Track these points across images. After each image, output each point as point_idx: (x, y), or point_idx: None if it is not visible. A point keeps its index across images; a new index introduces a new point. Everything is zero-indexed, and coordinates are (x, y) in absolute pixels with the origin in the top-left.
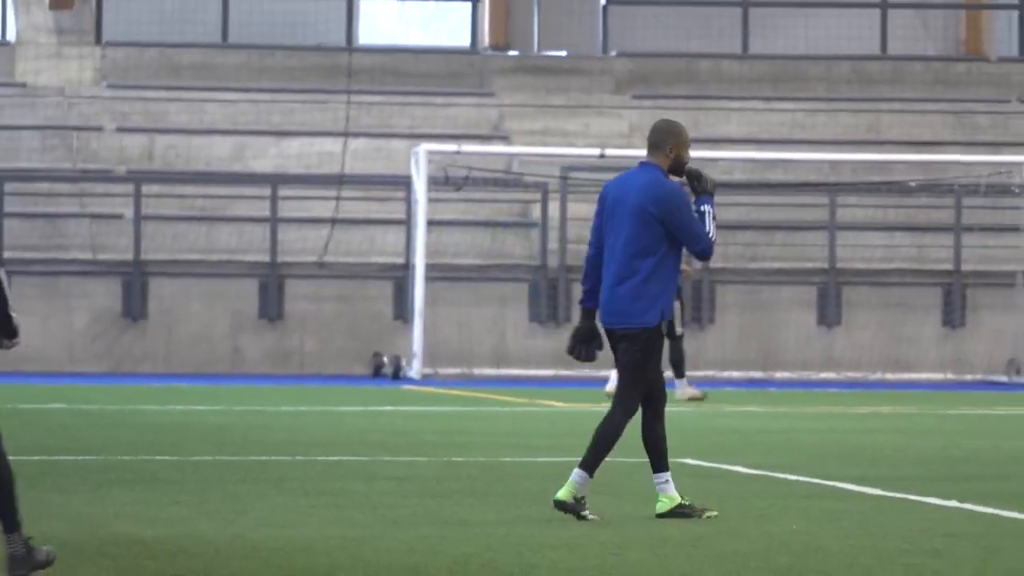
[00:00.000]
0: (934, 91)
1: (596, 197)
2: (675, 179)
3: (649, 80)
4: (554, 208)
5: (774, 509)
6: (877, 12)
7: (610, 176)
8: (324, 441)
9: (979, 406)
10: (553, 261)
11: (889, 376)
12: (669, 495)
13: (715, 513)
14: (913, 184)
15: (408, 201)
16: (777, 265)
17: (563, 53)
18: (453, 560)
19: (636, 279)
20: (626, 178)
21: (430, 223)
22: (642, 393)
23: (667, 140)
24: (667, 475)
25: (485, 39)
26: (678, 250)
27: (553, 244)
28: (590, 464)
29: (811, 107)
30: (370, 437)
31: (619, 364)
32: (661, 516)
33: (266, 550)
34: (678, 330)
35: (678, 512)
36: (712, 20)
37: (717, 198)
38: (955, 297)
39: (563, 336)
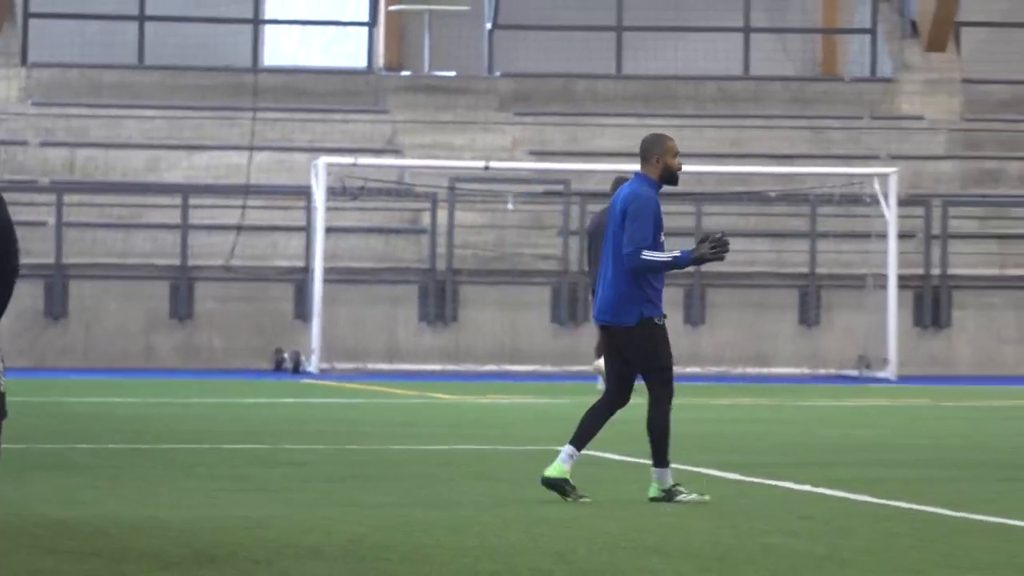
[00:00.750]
0: (792, 109)
1: (482, 207)
2: (668, 187)
3: (530, 98)
4: (442, 216)
5: (643, 493)
6: (740, 36)
7: (495, 186)
8: (230, 430)
9: (832, 398)
10: (441, 265)
11: (750, 370)
12: (559, 466)
13: (705, 497)
14: (773, 194)
15: (308, 209)
16: None
17: (452, 73)
18: (347, 539)
19: (619, 281)
20: (621, 189)
21: (328, 229)
22: (663, 380)
23: (653, 151)
24: (574, 450)
25: (380, 60)
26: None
27: (441, 249)
28: (658, 459)
29: (680, 123)
30: (272, 427)
31: (610, 357)
32: (652, 500)
33: (176, 530)
34: None
35: (666, 499)
36: (589, 43)
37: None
38: (810, 298)
39: (450, 334)
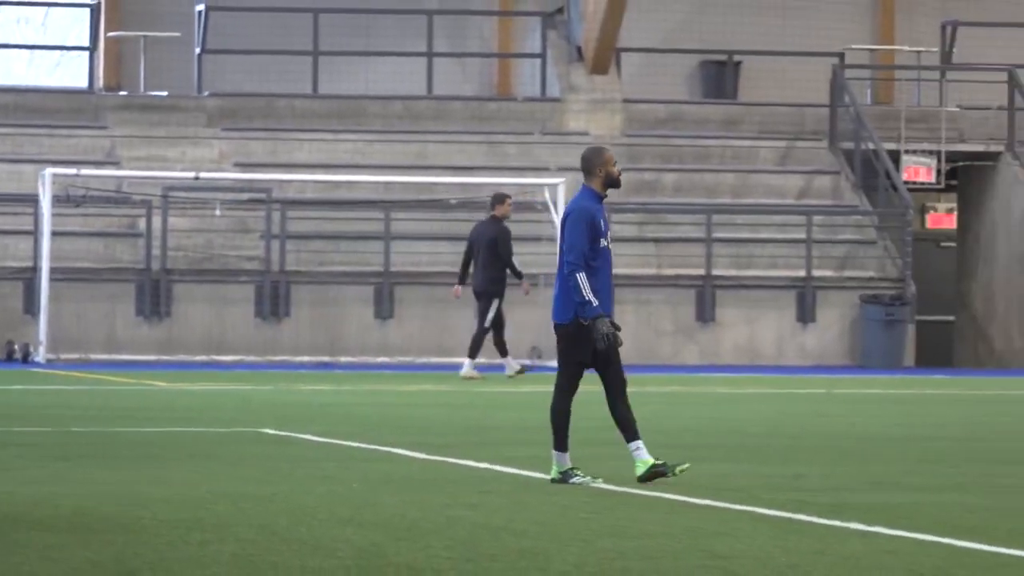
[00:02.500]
0: (471, 125)
1: (192, 213)
2: (611, 190)
3: (235, 115)
4: (157, 221)
5: (339, 470)
6: (424, 60)
7: (204, 194)
8: None
9: (507, 385)
10: (156, 265)
11: (434, 360)
12: (643, 459)
13: (687, 466)
14: (453, 201)
15: (36, 215)
16: (342, 268)
17: (164, 93)
18: (72, 512)
19: (561, 283)
20: (570, 202)
21: (54, 233)
22: (570, 376)
23: (595, 164)
24: (639, 443)
25: (100, 81)
26: (595, 258)
27: (156, 251)
28: (558, 443)
29: (370, 138)
30: (3, 411)
31: (561, 353)
32: (640, 480)
33: None
34: (487, 323)
35: (654, 473)
36: (288, 66)
37: None
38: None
39: (164, 327)
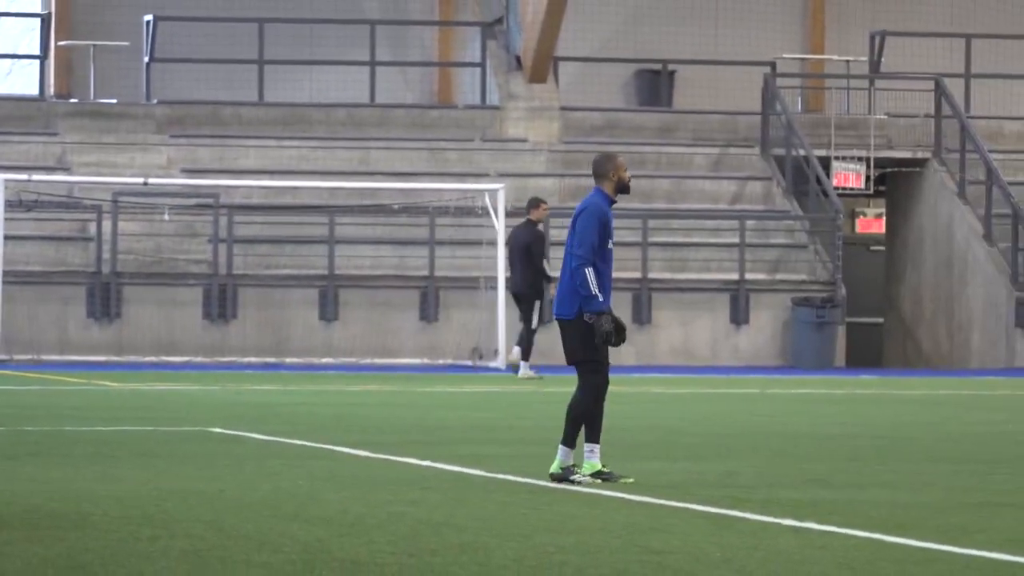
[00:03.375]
0: (413, 132)
1: (142, 217)
2: (621, 195)
3: (183, 122)
4: (107, 226)
5: (284, 468)
6: (367, 68)
7: (153, 199)
8: None
9: (449, 385)
10: (106, 268)
11: (377, 360)
12: (592, 462)
13: (630, 479)
14: (396, 206)
15: None
16: (287, 272)
17: (114, 100)
18: (24, 509)
19: (567, 280)
20: (584, 200)
21: (6, 238)
22: (595, 371)
23: (608, 169)
24: (595, 445)
25: (51, 89)
26: (602, 257)
27: (106, 255)
28: (566, 438)
29: (314, 144)
30: None
31: (566, 350)
32: (552, 477)
33: None
34: (533, 325)
35: (599, 476)
36: (234, 74)
37: None
38: (430, 297)
39: (115, 329)
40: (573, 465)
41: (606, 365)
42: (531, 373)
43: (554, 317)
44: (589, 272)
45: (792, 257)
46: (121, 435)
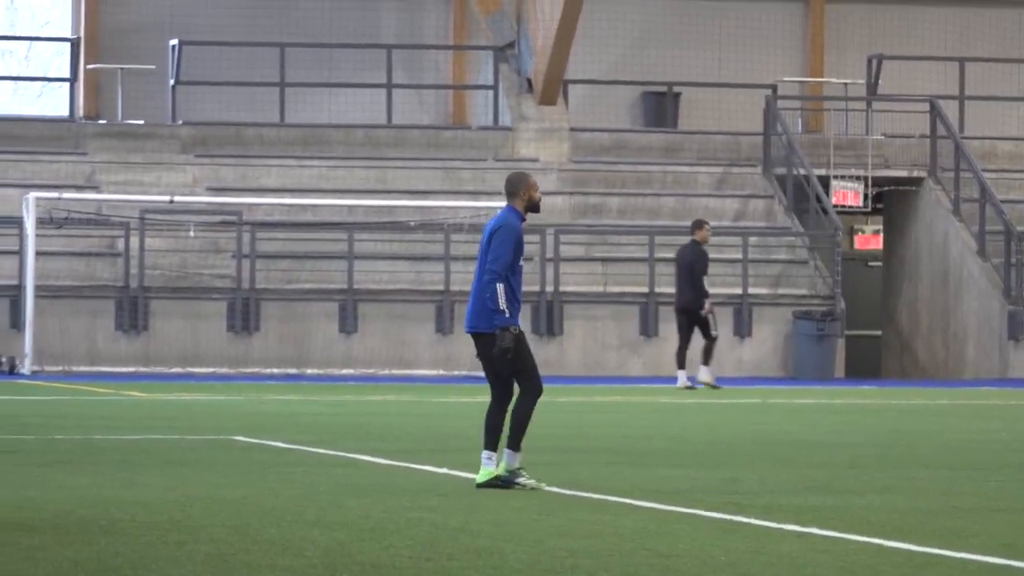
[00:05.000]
0: (428, 152)
1: (168, 234)
2: (531, 214)
3: (207, 143)
4: (134, 242)
5: (306, 475)
6: (384, 91)
7: (178, 217)
8: None
9: (464, 395)
10: (134, 283)
11: (395, 372)
12: (489, 469)
13: (541, 484)
14: (412, 223)
15: (20, 236)
16: (308, 286)
17: (141, 121)
18: (53, 515)
19: (483, 294)
20: (493, 219)
21: (38, 253)
22: (529, 377)
23: (519, 187)
24: (493, 453)
25: (80, 111)
26: (513, 272)
27: (134, 270)
28: (512, 442)
29: (333, 164)
30: None
31: (484, 359)
32: (480, 485)
33: None
34: (713, 333)
35: (493, 483)
36: (256, 96)
37: None
38: (445, 310)
39: (142, 341)
40: (519, 468)
41: (506, 381)
42: (687, 383)
43: (467, 331)
44: (500, 287)
45: (793, 272)
46: (148, 443)
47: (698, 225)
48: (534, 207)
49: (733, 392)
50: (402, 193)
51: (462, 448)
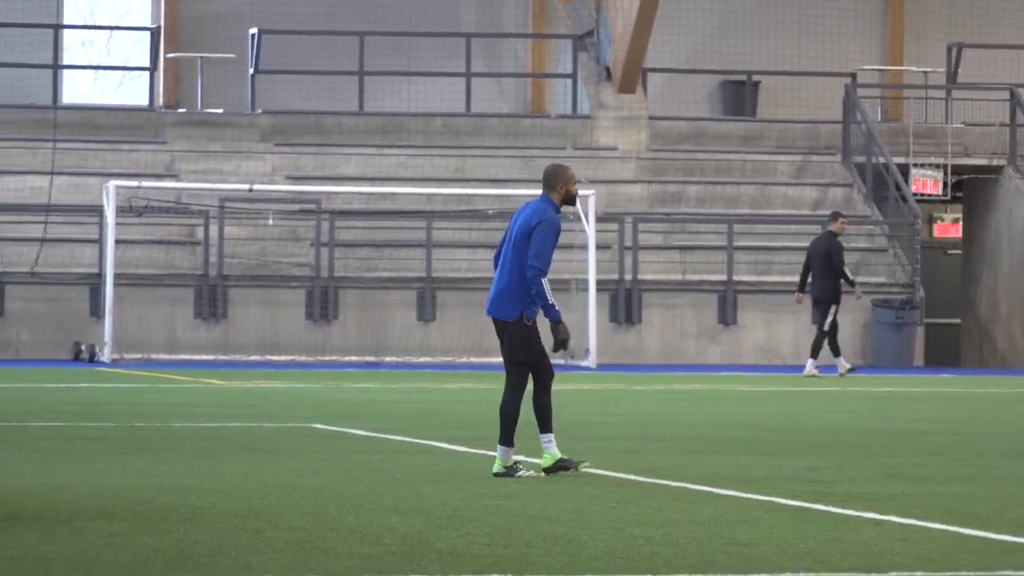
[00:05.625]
0: (507, 140)
1: (247, 222)
2: (567, 207)
3: (287, 131)
4: (214, 230)
5: (385, 463)
6: (463, 79)
7: (258, 205)
8: (35, 410)
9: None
10: (213, 271)
11: (473, 360)
12: (551, 452)
13: (588, 464)
14: (491, 212)
15: (100, 225)
16: (386, 274)
17: (220, 110)
18: (134, 502)
19: (512, 282)
20: (527, 205)
21: (118, 241)
22: (525, 372)
23: (557, 180)
24: (550, 436)
25: (160, 99)
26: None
27: (213, 258)
28: (504, 438)
29: (412, 152)
30: (71, 408)
31: (504, 350)
32: (545, 471)
33: None
34: (825, 327)
35: (559, 466)
36: (335, 85)
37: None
38: None
39: (221, 329)
40: (517, 462)
41: (537, 366)
42: (815, 371)
43: (489, 316)
44: (545, 283)
45: (872, 261)
46: (227, 431)
47: (834, 217)
48: (570, 200)
49: (812, 380)
50: (481, 181)
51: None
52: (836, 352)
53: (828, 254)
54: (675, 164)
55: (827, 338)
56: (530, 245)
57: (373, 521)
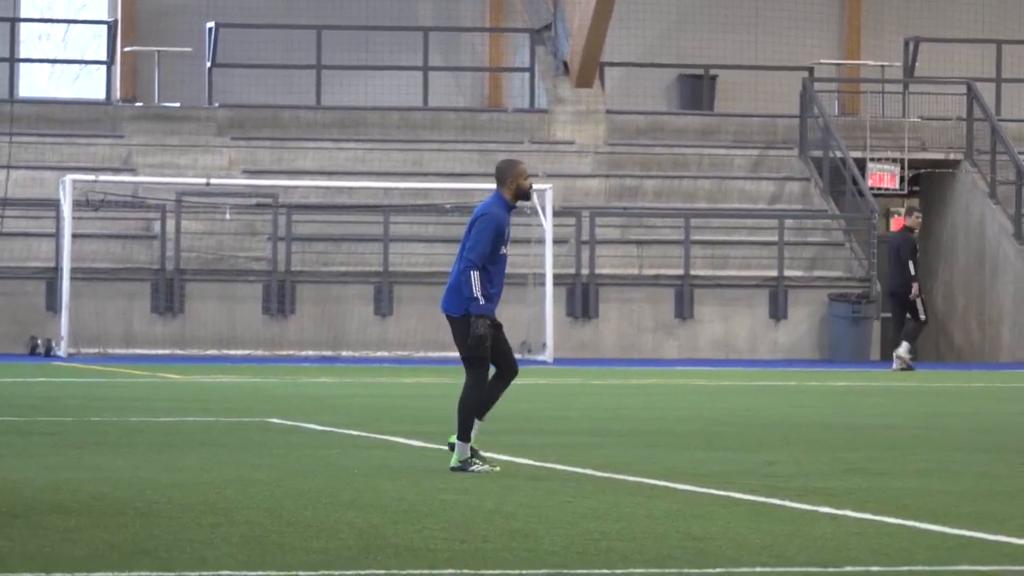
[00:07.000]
0: (464, 135)
1: (204, 216)
2: (523, 203)
3: (244, 125)
4: (171, 224)
5: (340, 457)
6: (420, 73)
7: (215, 199)
8: None
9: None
10: (170, 265)
11: (430, 354)
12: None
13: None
14: (448, 206)
15: (57, 219)
16: (344, 269)
17: (177, 104)
18: (90, 497)
19: (458, 276)
20: (482, 203)
21: (74, 236)
22: (479, 368)
23: (507, 175)
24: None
25: (117, 93)
26: (493, 261)
27: (170, 252)
28: (460, 433)
29: (369, 146)
30: (27, 402)
31: (457, 342)
32: (453, 471)
33: None
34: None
35: (461, 469)
36: (293, 79)
37: None
38: None
39: (178, 323)
40: (471, 457)
41: (500, 360)
42: (907, 358)
43: (441, 311)
44: (474, 275)
45: (829, 255)
46: (184, 425)
47: (909, 212)
48: (523, 195)
49: (769, 374)
50: (438, 176)
51: (496, 431)
52: (901, 343)
53: (899, 249)
54: (632, 158)
55: (899, 331)
56: (468, 238)
57: (330, 516)
